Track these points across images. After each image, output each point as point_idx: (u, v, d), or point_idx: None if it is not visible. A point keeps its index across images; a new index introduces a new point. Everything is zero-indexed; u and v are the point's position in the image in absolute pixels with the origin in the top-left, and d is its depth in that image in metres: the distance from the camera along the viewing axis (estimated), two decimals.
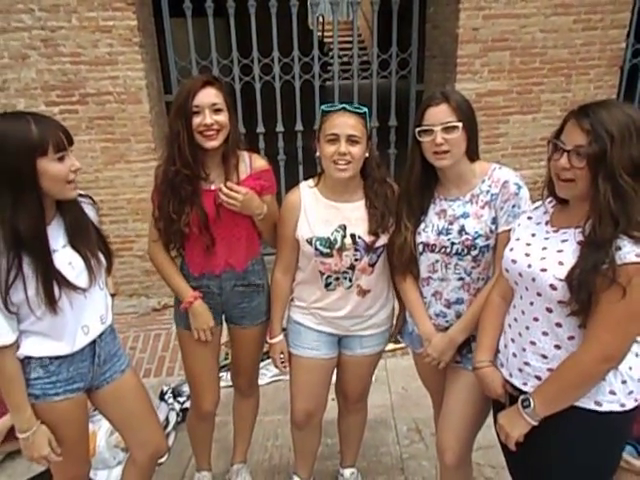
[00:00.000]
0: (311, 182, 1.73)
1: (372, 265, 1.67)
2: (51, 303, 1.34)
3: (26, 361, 1.39)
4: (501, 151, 3.66)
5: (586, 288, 1.12)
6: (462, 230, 1.50)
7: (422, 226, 1.56)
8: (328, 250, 1.64)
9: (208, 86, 1.60)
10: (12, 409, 1.40)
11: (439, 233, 1.53)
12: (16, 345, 1.37)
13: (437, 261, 1.56)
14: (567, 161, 1.16)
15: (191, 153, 1.60)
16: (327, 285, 1.70)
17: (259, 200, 1.70)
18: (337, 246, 1.63)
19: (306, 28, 5.56)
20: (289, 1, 3.50)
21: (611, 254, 1.10)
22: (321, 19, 8.21)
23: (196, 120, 1.59)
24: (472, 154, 1.51)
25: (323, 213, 1.66)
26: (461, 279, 1.55)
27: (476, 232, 1.49)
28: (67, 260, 1.39)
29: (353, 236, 1.63)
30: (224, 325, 1.92)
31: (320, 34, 7.08)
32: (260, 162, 1.77)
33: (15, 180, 1.26)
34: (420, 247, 1.57)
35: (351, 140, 1.55)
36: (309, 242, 1.65)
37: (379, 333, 1.80)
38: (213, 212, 1.67)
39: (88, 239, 1.45)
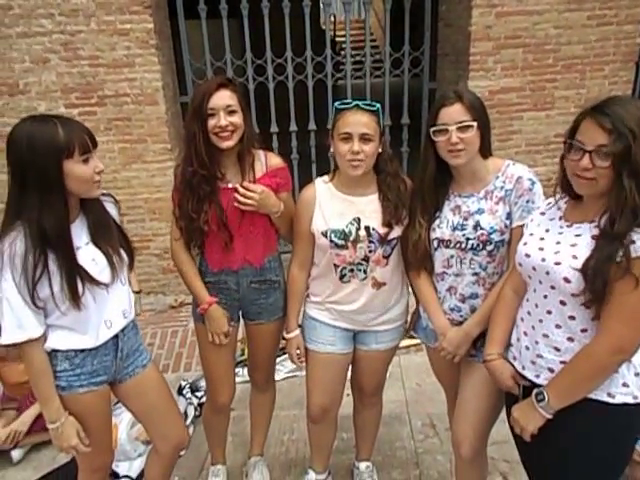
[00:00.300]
0: (326, 178, 1.77)
1: (386, 257, 1.69)
2: (75, 298, 1.39)
3: (53, 354, 1.45)
4: (515, 148, 3.66)
5: (601, 277, 1.14)
6: (477, 225, 1.52)
7: (437, 222, 1.58)
8: (343, 242, 1.67)
9: (222, 88, 1.64)
10: (41, 400, 1.46)
11: (454, 229, 1.55)
12: (44, 338, 1.42)
13: (452, 256, 1.58)
14: (589, 161, 1.16)
15: (207, 154, 1.65)
16: (342, 277, 1.72)
17: (275, 198, 1.74)
18: (351, 238, 1.66)
19: (318, 28, 5.59)
20: (302, 1, 3.54)
21: (626, 246, 1.11)
22: (332, 18, 8.23)
23: (211, 122, 1.63)
24: (485, 151, 1.53)
25: (338, 206, 1.69)
26: (476, 274, 1.57)
27: (491, 227, 1.51)
28: (90, 257, 1.44)
29: (367, 228, 1.66)
30: (241, 322, 1.96)
31: (332, 33, 7.10)
32: (275, 160, 1.81)
33: (42, 180, 1.31)
34: (435, 243, 1.59)
35: (364, 138, 1.57)
36: (324, 234, 1.68)
37: (394, 328, 1.83)
38: (231, 209, 1.71)
39: (110, 236, 1.50)
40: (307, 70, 3.72)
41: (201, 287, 1.80)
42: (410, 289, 1.83)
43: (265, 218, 1.78)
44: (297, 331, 1.86)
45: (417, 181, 1.62)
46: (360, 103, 1.60)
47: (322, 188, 1.74)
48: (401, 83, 3.88)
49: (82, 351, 1.47)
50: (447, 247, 1.57)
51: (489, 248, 1.53)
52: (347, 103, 1.62)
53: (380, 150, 1.64)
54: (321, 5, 3.65)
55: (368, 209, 1.67)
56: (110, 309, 1.51)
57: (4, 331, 1.37)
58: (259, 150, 1.80)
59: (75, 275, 1.38)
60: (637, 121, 1.12)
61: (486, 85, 3.51)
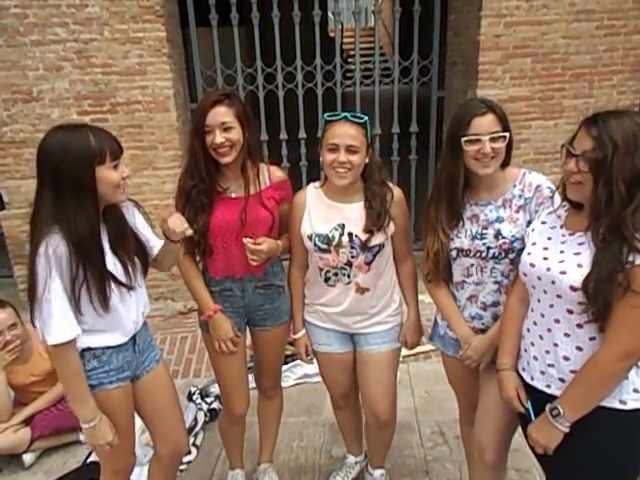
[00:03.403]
0: (317, 184, 1.82)
1: (368, 264, 1.73)
2: (105, 300, 1.44)
3: (82, 354, 1.48)
4: (523, 157, 3.66)
5: (602, 297, 1.16)
6: (499, 234, 1.53)
7: (455, 232, 1.58)
8: (326, 246, 1.72)
9: (217, 105, 1.65)
10: (76, 401, 1.47)
11: (473, 238, 1.56)
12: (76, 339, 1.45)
13: (472, 265, 1.58)
14: (575, 165, 1.21)
15: (206, 169, 1.69)
16: (327, 280, 1.78)
17: (277, 244, 1.78)
18: (334, 243, 1.71)
19: (327, 36, 5.63)
20: (312, 10, 3.58)
21: (624, 265, 1.13)
22: (340, 26, 8.30)
23: (208, 139, 1.66)
24: (506, 160, 1.55)
25: (324, 212, 1.74)
26: (497, 282, 1.57)
27: (513, 236, 1.52)
28: (112, 261, 1.48)
29: (350, 235, 1.71)
30: (247, 328, 1.96)
31: (340, 41, 7.14)
32: (278, 173, 1.86)
33: (77, 187, 1.36)
34: (454, 252, 1.59)
35: (350, 150, 1.61)
36: (309, 238, 1.74)
37: (384, 331, 1.84)
38: (235, 219, 1.73)
39: (127, 244, 1.54)
40: (317, 78, 3.75)
41: (205, 294, 1.81)
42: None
43: (264, 229, 1.78)
44: (303, 330, 1.92)
45: (436, 191, 1.60)
46: (348, 115, 1.64)
47: (312, 193, 1.79)
48: (410, 90, 3.91)
49: (108, 348, 1.51)
50: (467, 256, 1.58)
51: (511, 256, 1.53)
52: (336, 115, 1.65)
53: (367, 160, 1.68)
54: (329, 14, 3.66)
55: (353, 216, 1.71)
56: (134, 310, 1.57)
57: (53, 331, 1.38)
58: (262, 164, 1.84)
59: (105, 279, 1.43)
60: (624, 135, 1.15)
61: (495, 94, 3.52)
